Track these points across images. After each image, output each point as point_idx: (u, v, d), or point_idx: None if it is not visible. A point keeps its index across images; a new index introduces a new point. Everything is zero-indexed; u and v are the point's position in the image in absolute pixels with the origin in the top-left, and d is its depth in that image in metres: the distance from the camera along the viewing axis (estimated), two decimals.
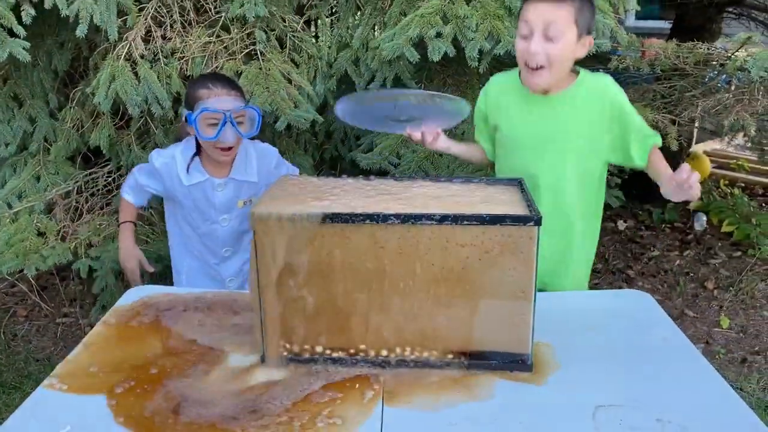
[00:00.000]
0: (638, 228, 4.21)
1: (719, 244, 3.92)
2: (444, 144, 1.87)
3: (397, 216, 1.24)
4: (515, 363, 1.29)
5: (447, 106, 1.82)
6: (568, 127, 1.71)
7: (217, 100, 1.81)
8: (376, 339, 1.30)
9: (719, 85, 2.59)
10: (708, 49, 2.28)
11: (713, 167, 5.07)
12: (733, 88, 2.42)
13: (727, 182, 4.88)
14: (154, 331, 1.47)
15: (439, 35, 2.26)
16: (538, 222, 1.21)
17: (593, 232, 1.87)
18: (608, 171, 1.83)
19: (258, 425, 1.14)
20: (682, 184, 1.50)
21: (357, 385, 1.25)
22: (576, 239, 1.81)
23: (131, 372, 1.30)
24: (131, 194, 2.07)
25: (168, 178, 1.93)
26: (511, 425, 1.14)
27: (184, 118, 1.87)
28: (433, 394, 1.23)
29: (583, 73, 1.73)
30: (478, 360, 1.30)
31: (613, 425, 1.12)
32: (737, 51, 2.24)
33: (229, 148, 1.87)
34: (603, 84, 1.71)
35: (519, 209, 1.29)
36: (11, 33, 2.22)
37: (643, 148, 1.71)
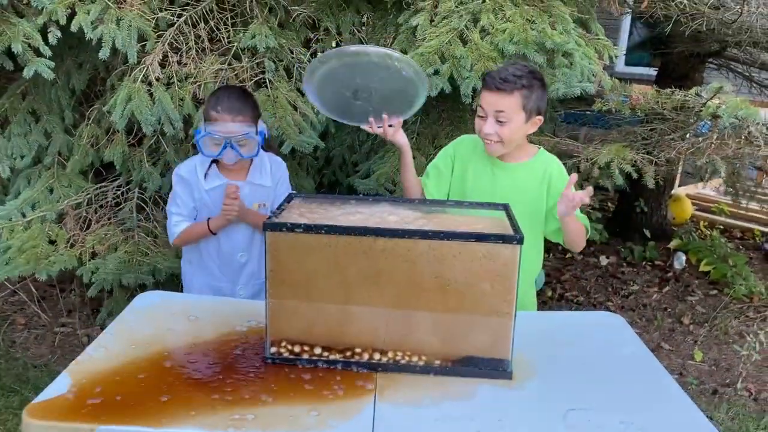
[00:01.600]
0: (620, 264, 4.37)
1: (697, 282, 4.09)
2: (402, 139, 1.95)
3: (392, 231, 1.38)
4: (496, 370, 1.43)
5: (406, 71, 1.87)
6: (525, 188, 1.92)
7: (221, 125, 1.94)
8: (370, 344, 1.43)
9: (699, 130, 2.78)
10: (684, 96, 2.47)
11: (695, 209, 5.26)
12: (708, 133, 2.60)
13: (706, 224, 5.07)
14: (162, 335, 1.59)
15: (436, 73, 2.43)
16: (520, 241, 1.36)
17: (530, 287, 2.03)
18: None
19: (257, 421, 1.25)
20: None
21: (352, 384, 1.38)
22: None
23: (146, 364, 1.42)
24: (183, 222, 2.09)
25: (195, 185, 2.07)
26: (490, 422, 1.27)
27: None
28: (420, 393, 1.36)
29: (542, 150, 1.99)
30: (463, 366, 1.43)
31: (581, 425, 1.26)
32: (710, 99, 2.43)
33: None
34: (555, 162, 1.96)
35: (503, 230, 1.44)
36: (37, 53, 2.38)
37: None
